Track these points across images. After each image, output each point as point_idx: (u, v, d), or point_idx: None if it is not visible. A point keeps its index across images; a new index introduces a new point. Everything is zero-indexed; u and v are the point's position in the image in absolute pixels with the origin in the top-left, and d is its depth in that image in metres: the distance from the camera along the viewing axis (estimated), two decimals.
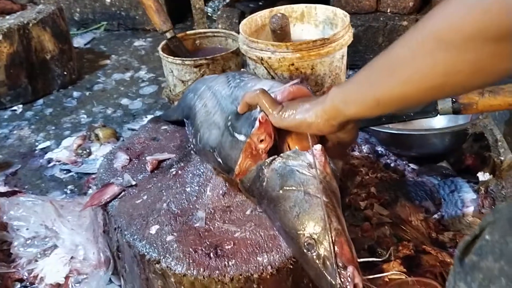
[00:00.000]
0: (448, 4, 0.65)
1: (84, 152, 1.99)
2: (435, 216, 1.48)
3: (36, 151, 2.10)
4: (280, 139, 1.04)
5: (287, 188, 0.92)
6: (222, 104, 1.10)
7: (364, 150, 1.74)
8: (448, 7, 0.65)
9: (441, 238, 1.41)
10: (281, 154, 0.98)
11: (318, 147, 0.95)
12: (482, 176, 1.53)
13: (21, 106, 2.45)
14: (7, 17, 2.46)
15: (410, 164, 1.69)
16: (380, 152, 1.74)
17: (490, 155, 1.54)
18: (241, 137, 1.01)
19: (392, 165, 1.69)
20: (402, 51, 0.74)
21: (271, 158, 0.98)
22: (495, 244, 0.58)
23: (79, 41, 3.14)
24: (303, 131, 0.97)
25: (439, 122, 1.78)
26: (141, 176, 1.25)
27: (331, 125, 0.91)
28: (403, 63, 0.73)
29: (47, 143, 2.15)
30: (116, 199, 1.19)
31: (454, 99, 1.17)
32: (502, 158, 1.41)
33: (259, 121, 0.99)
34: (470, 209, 1.46)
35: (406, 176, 1.64)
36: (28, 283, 1.37)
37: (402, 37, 0.74)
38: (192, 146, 1.21)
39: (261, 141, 1.00)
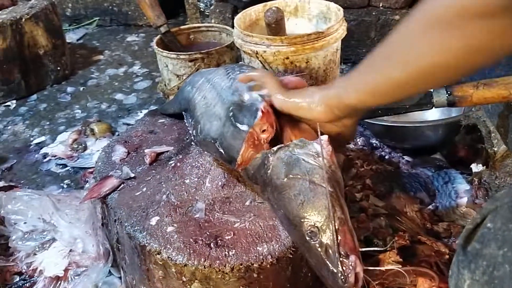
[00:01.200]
0: None
1: (80, 146, 1.99)
2: (430, 207, 1.50)
3: (31, 146, 2.10)
4: (282, 130, 1.05)
5: (292, 176, 0.93)
6: (222, 96, 1.11)
7: (359, 143, 1.76)
8: None
9: (436, 228, 1.43)
10: (288, 143, 0.99)
11: (325, 137, 0.96)
12: (476, 167, 1.55)
13: (14, 101, 2.45)
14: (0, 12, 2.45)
15: (404, 156, 1.71)
16: (374, 144, 1.76)
17: (482, 147, 1.57)
18: (244, 127, 1.02)
19: (386, 157, 1.71)
20: (398, 36, 0.76)
21: (277, 146, 0.99)
22: (497, 231, 0.58)
23: (71, 37, 3.13)
24: (303, 116, 0.99)
25: (433, 114, 1.80)
26: (140, 168, 1.25)
27: (331, 112, 0.93)
28: (399, 46, 0.76)
29: (42, 138, 2.15)
30: (116, 192, 1.20)
31: (449, 92, 1.18)
32: (496, 149, 1.43)
33: (262, 111, 1.00)
34: (464, 200, 1.48)
35: (401, 168, 1.66)
36: (27, 276, 1.37)
37: (398, 24, 0.76)
38: (192, 137, 1.21)
39: (263, 131, 1.01)
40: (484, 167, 1.52)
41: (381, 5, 2.43)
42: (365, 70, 0.86)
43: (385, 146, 1.74)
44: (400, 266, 1.25)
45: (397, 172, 1.63)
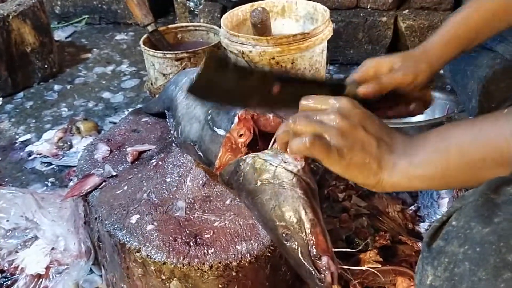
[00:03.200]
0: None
1: (65, 145, 1.99)
2: (412, 207, 1.51)
3: (17, 144, 2.09)
4: (261, 134, 1.06)
5: (262, 181, 0.94)
6: None
7: None
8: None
9: (417, 228, 1.44)
10: (262, 151, 0.99)
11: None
12: None
13: (1, 99, 2.43)
14: None
15: None
16: None
17: None
18: (221, 132, 1.03)
19: None
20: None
21: (249, 155, 0.99)
22: (460, 229, 0.59)
23: (60, 35, 3.11)
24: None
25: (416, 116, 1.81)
26: (122, 167, 1.26)
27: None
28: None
29: (28, 136, 2.14)
30: (97, 190, 1.20)
31: None
32: None
33: (239, 118, 1.01)
34: (445, 200, 1.49)
35: None
36: (8, 274, 1.37)
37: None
38: (173, 138, 1.22)
39: (241, 135, 1.02)
40: None
41: (369, 7, 2.44)
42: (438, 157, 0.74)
43: None
44: (380, 266, 1.26)
45: None
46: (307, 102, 0.82)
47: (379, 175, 0.75)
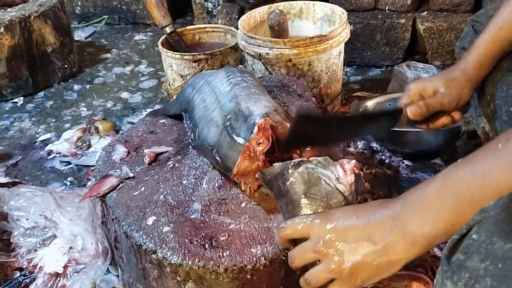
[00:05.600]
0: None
1: (84, 144, 2.01)
2: None
3: (37, 143, 2.12)
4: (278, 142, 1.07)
5: (311, 195, 0.91)
6: (221, 102, 1.13)
7: (359, 146, 1.76)
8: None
9: None
10: (311, 159, 0.96)
11: (352, 163, 0.94)
12: None
13: (22, 98, 2.47)
14: (9, 9, 2.48)
15: (404, 161, 1.71)
16: (375, 148, 1.77)
17: None
18: (240, 140, 1.04)
19: (386, 161, 1.71)
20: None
21: (298, 159, 0.97)
22: (481, 244, 0.58)
23: (80, 35, 3.15)
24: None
25: None
26: (139, 168, 1.27)
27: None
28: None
29: (48, 135, 2.17)
30: (114, 191, 1.22)
31: None
32: None
33: (258, 127, 1.02)
34: None
35: (400, 172, 1.66)
36: (27, 272, 1.39)
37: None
38: (190, 140, 1.23)
39: (259, 143, 1.03)
40: None
41: (387, 8, 2.43)
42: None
43: (385, 150, 1.75)
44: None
45: (396, 176, 1.63)
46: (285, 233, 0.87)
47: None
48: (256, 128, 1.02)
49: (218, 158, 1.08)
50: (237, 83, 1.17)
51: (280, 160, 1.06)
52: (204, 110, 1.17)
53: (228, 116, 1.07)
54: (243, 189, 1.12)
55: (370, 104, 1.73)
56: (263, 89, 1.21)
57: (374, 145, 1.77)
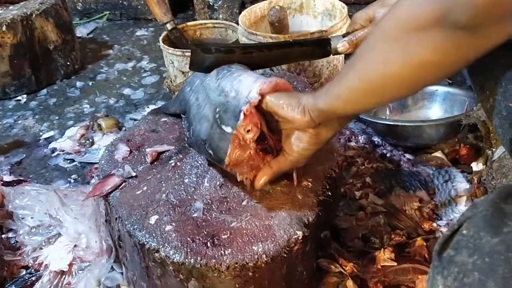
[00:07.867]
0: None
1: (87, 141, 2.03)
2: (429, 205, 1.51)
3: (41, 141, 2.14)
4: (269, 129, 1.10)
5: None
6: (210, 97, 1.13)
7: (361, 141, 1.77)
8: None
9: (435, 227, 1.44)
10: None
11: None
12: (476, 166, 1.56)
13: (25, 96, 2.48)
14: (11, 7, 2.48)
15: (405, 154, 1.72)
16: (376, 142, 1.77)
17: (483, 146, 1.57)
18: (228, 129, 1.04)
19: (388, 155, 1.72)
20: (362, 46, 0.84)
21: None
22: (470, 239, 0.60)
23: (81, 31, 3.15)
24: (285, 116, 1.04)
25: (435, 113, 1.81)
26: (141, 167, 1.28)
27: (308, 116, 1.00)
28: (360, 56, 0.83)
29: (51, 133, 2.18)
30: (117, 190, 1.23)
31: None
32: (494, 149, 1.44)
33: (244, 113, 1.02)
34: (463, 199, 1.49)
35: (402, 166, 1.67)
36: (33, 270, 1.41)
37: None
38: (186, 139, 1.24)
39: (248, 131, 1.03)
40: (484, 166, 1.53)
41: None
42: (337, 77, 0.93)
43: (386, 144, 1.75)
44: (396, 264, 1.27)
45: (397, 170, 1.64)
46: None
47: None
48: (242, 115, 1.02)
49: (210, 151, 1.09)
50: (222, 76, 1.16)
51: (273, 148, 1.09)
52: (197, 108, 1.17)
53: (217, 109, 1.08)
54: (238, 180, 1.12)
55: None
56: (246, 68, 1.21)
57: (376, 139, 1.78)
